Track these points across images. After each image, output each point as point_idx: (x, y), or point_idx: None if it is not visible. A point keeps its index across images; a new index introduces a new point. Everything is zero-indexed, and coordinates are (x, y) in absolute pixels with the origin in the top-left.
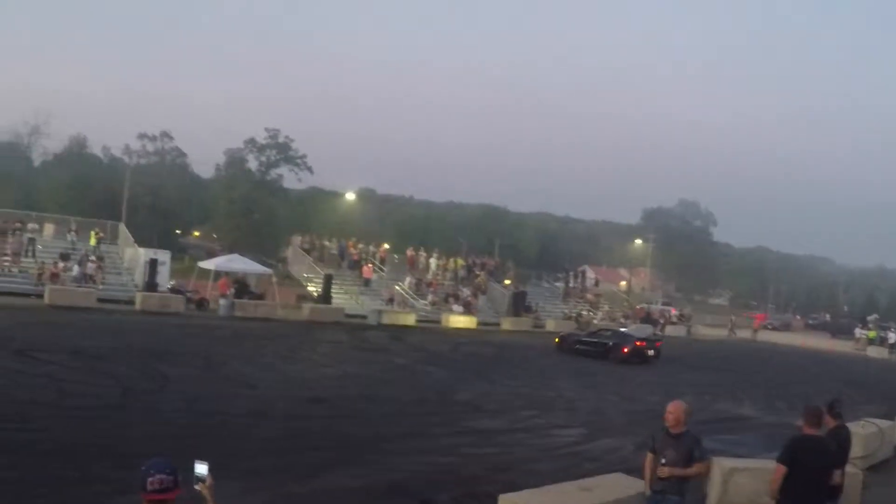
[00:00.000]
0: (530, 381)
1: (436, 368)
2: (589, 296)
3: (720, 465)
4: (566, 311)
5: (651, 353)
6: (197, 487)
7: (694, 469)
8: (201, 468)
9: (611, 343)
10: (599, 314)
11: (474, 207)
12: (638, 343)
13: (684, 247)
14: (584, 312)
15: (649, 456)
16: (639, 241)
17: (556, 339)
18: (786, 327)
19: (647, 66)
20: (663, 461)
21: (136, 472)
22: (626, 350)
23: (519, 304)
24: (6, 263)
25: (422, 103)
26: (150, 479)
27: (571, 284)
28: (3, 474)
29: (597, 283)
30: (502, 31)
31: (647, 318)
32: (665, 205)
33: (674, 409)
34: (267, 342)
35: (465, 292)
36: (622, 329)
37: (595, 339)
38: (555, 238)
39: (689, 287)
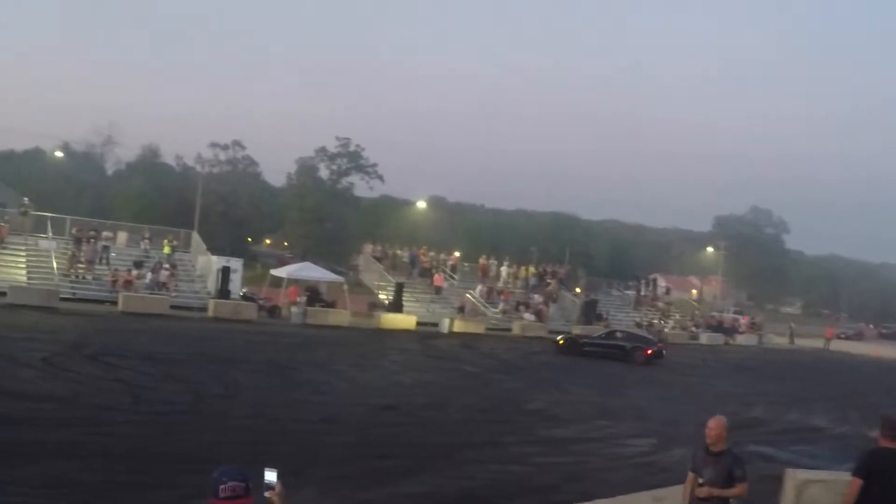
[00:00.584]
0: (601, 389)
1: (507, 377)
2: (660, 304)
3: (794, 477)
4: (637, 319)
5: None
6: (267, 495)
7: (735, 490)
8: (270, 475)
9: (629, 346)
10: (670, 323)
11: (545, 215)
12: (659, 345)
13: (756, 255)
14: (656, 321)
15: (689, 475)
16: (710, 249)
17: (560, 341)
18: (858, 337)
19: (718, 71)
20: (701, 481)
21: (207, 478)
22: (649, 352)
23: (590, 313)
24: (81, 270)
25: (493, 111)
26: (221, 486)
27: (642, 293)
28: (78, 477)
29: (668, 292)
30: (574, 37)
31: (719, 327)
32: (737, 212)
33: (715, 426)
34: (338, 349)
35: (537, 300)
36: (633, 331)
37: (610, 342)
38: (626, 246)
39: (761, 296)
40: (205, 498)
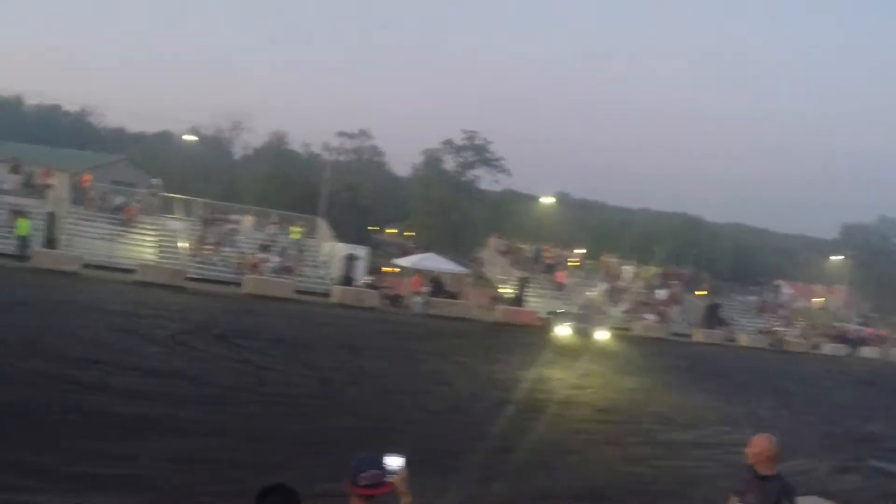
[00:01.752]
0: (722, 395)
1: (628, 377)
2: (783, 311)
3: None
4: (760, 325)
5: None
6: (391, 480)
7: None
8: (395, 461)
9: None
10: (794, 331)
11: (670, 216)
12: None
13: (884, 265)
14: (778, 328)
15: (730, 498)
16: (836, 258)
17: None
18: None
19: (840, 73)
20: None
21: (334, 462)
22: None
23: (713, 317)
24: (208, 252)
25: (621, 108)
26: (362, 474)
27: (766, 299)
28: (203, 454)
29: (792, 299)
30: (703, 37)
31: (843, 338)
32: (865, 220)
33: (756, 444)
34: (461, 341)
35: (659, 301)
36: None
37: None
38: (750, 250)
39: (888, 307)
40: (333, 481)
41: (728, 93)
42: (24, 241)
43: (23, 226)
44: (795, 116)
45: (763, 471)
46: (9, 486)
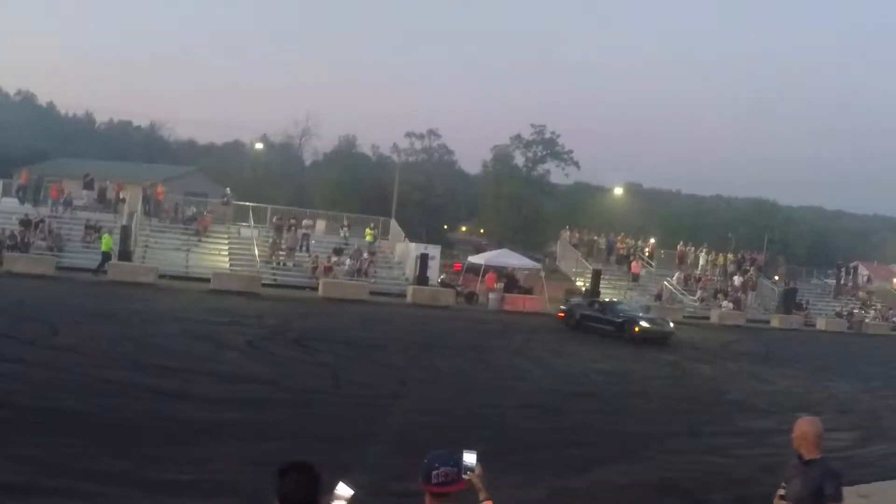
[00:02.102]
0: (803, 380)
1: (705, 365)
2: (861, 293)
3: None
4: (838, 308)
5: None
6: (466, 477)
7: None
8: (470, 458)
9: (620, 320)
10: (871, 313)
11: (743, 202)
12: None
13: None
14: (856, 311)
15: (780, 487)
16: None
17: (560, 314)
18: None
19: None
20: (782, 493)
21: (411, 460)
22: (637, 329)
23: (789, 302)
24: (282, 257)
25: (689, 95)
26: (434, 472)
27: (843, 281)
28: (282, 457)
29: (869, 281)
30: (768, 18)
31: None
32: None
33: (798, 428)
34: (535, 336)
35: (735, 288)
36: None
37: (602, 315)
38: (826, 233)
39: None
40: (410, 480)
41: (797, 74)
42: (106, 257)
43: (106, 242)
44: (867, 95)
45: (807, 455)
46: (89, 493)
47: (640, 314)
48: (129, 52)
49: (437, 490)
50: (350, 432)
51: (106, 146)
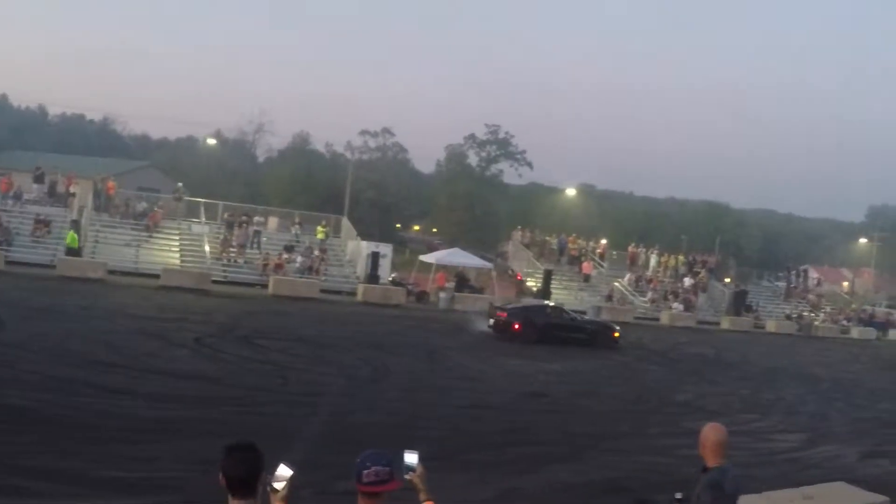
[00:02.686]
0: (751, 381)
1: (655, 367)
2: (811, 296)
3: None
4: (787, 311)
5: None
6: (407, 477)
7: None
8: (411, 458)
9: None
10: (821, 315)
11: (696, 204)
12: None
13: None
14: (806, 313)
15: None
16: (863, 241)
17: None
18: None
19: (867, 57)
20: (678, 496)
21: (357, 460)
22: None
23: (739, 304)
24: (233, 254)
25: (642, 99)
26: (365, 472)
27: (793, 284)
28: None
29: (819, 283)
30: (719, 28)
31: (871, 322)
32: (891, 202)
33: (701, 434)
34: (487, 336)
35: (686, 289)
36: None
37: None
38: (777, 236)
39: None
40: (352, 478)
41: (750, 79)
42: (74, 253)
43: (71, 238)
44: (821, 101)
45: (708, 462)
46: (35, 492)
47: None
48: (83, 46)
49: (367, 489)
50: (296, 431)
51: (58, 139)
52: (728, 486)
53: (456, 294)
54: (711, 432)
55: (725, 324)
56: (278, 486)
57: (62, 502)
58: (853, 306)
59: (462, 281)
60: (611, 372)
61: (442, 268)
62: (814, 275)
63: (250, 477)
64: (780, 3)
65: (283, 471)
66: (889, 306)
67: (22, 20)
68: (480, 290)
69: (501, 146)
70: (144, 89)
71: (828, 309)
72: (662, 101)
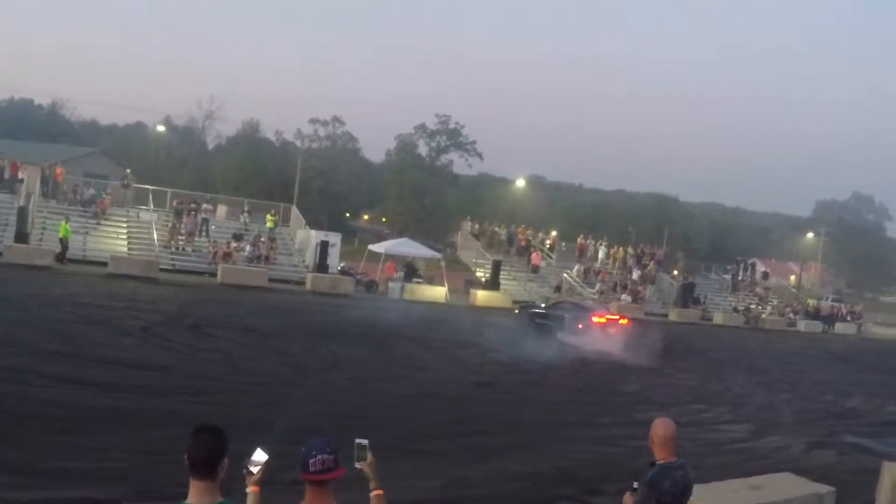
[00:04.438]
0: (699, 373)
1: (605, 358)
2: (758, 289)
3: (891, 470)
4: (735, 303)
5: (613, 331)
6: (358, 466)
7: None
8: (361, 445)
9: (567, 316)
10: (768, 308)
11: (644, 196)
12: (596, 319)
13: (857, 242)
14: (753, 306)
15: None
16: (810, 235)
17: (516, 310)
18: None
19: (817, 48)
20: (636, 485)
21: (301, 449)
22: (579, 326)
23: (687, 296)
24: (181, 242)
25: (592, 92)
26: (311, 461)
27: (740, 277)
28: (177, 445)
29: (766, 277)
30: (667, 19)
31: (817, 315)
32: (838, 198)
33: (651, 428)
34: (435, 326)
35: (634, 281)
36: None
37: (552, 312)
38: (725, 229)
39: (862, 283)
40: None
41: (700, 74)
42: (64, 244)
43: (64, 228)
44: (769, 96)
45: (656, 456)
46: None
47: None
48: (31, 28)
49: (314, 478)
50: (245, 420)
51: (5, 124)
52: (667, 485)
53: (405, 284)
54: (660, 427)
55: (673, 316)
56: (254, 469)
57: (10, 493)
58: (800, 299)
59: (411, 271)
60: (559, 362)
61: (391, 257)
62: (761, 268)
63: (210, 459)
64: (726, 8)
65: (259, 455)
66: (835, 300)
67: None
68: (429, 281)
69: (452, 136)
70: (93, 74)
71: (775, 302)
72: (612, 94)
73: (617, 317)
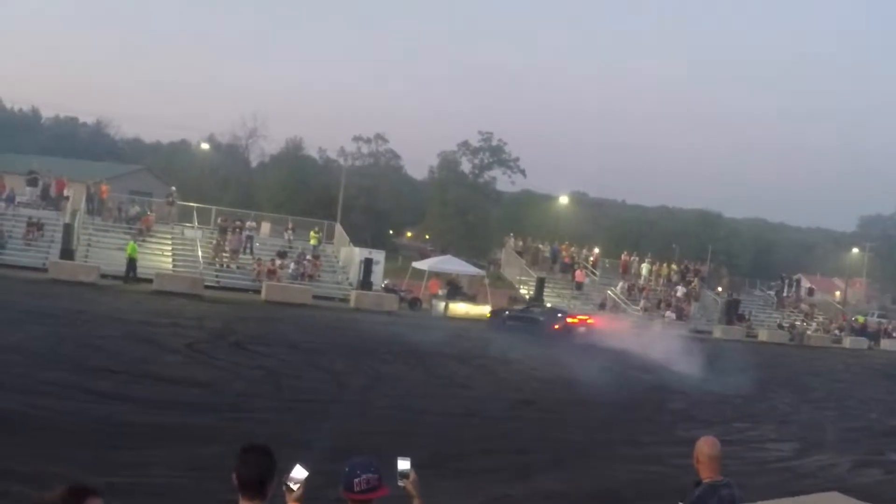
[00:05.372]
0: (742, 391)
1: (648, 375)
2: (803, 305)
3: None
4: (780, 320)
5: (583, 330)
6: (401, 484)
7: None
8: (404, 464)
9: (541, 318)
10: (813, 325)
11: (688, 212)
12: (570, 320)
13: None
14: (798, 322)
15: None
16: (855, 251)
17: (488, 314)
18: None
19: (858, 66)
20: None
21: (345, 469)
22: (556, 326)
23: (732, 312)
24: (226, 259)
25: (637, 107)
26: (356, 480)
27: (785, 293)
28: (220, 462)
29: (811, 293)
30: (712, 35)
31: (863, 331)
32: (883, 212)
33: (696, 447)
34: (479, 343)
35: (678, 298)
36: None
37: (525, 315)
38: (769, 245)
39: None
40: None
41: (744, 89)
42: (132, 263)
43: (132, 248)
44: (811, 110)
45: (701, 475)
46: (23, 497)
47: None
48: (77, 48)
49: (359, 497)
50: (289, 437)
51: (51, 142)
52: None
53: (449, 301)
54: (705, 446)
55: (717, 333)
56: (294, 486)
57: None
58: (845, 316)
59: (455, 288)
60: (602, 380)
61: (434, 275)
62: (806, 284)
63: (262, 479)
64: (775, 15)
65: (299, 472)
66: (881, 316)
67: (16, 22)
68: (473, 298)
69: (494, 153)
70: (138, 92)
71: (820, 318)
72: (654, 110)
73: (586, 317)
